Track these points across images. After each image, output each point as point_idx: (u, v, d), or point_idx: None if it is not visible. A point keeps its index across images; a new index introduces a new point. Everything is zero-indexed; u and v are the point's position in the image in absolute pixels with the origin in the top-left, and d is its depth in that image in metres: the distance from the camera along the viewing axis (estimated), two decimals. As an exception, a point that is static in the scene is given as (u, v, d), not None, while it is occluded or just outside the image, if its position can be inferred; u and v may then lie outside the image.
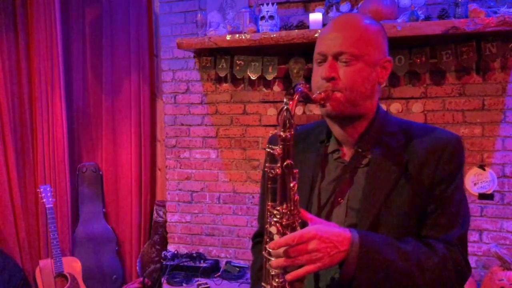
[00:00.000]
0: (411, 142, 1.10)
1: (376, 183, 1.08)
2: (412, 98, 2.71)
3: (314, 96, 1.06)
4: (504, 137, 2.59)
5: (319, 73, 1.10)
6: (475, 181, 2.62)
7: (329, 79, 1.06)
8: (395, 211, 1.05)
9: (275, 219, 1.00)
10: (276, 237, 1.00)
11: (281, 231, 0.99)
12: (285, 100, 0.99)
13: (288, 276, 0.97)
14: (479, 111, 2.62)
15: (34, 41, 3.45)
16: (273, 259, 0.98)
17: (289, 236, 0.96)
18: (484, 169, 2.60)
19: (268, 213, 1.02)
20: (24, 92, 3.52)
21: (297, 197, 1.00)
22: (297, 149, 1.20)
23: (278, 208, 1.00)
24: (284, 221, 0.99)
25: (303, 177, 1.14)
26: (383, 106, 2.73)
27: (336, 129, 1.15)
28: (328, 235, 0.96)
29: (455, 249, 1.05)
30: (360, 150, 1.12)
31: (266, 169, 1.01)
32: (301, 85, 1.01)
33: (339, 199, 1.11)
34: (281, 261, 0.97)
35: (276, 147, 0.99)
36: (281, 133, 0.98)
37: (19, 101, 3.53)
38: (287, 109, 0.98)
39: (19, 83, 3.52)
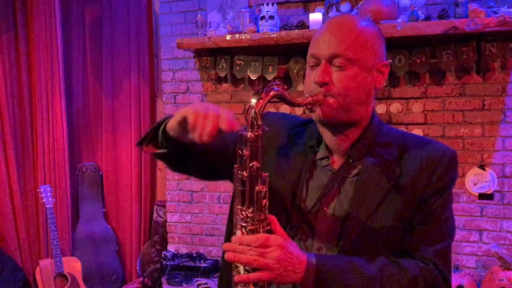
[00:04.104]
0: (404, 155, 1.06)
1: (364, 194, 1.04)
2: (412, 98, 2.71)
3: (298, 100, 1.00)
4: (504, 137, 2.59)
5: (312, 77, 1.05)
6: (475, 181, 2.62)
7: (322, 84, 1.02)
8: (382, 225, 1.02)
9: (241, 223, 0.96)
10: None
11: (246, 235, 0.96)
12: (252, 99, 0.94)
13: (237, 278, 0.94)
14: (479, 111, 2.62)
15: (34, 41, 3.46)
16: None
17: (255, 236, 0.93)
18: (484, 169, 2.60)
19: (236, 216, 0.98)
20: (24, 92, 3.52)
21: (265, 201, 0.96)
22: (287, 146, 1.16)
23: (244, 212, 0.96)
24: (250, 226, 0.95)
25: (287, 180, 1.11)
26: (383, 106, 2.73)
27: (327, 135, 1.10)
28: (291, 250, 0.93)
29: (430, 267, 1.02)
30: (350, 160, 1.08)
31: (234, 170, 0.97)
32: (276, 85, 0.95)
33: (325, 208, 1.07)
34: (236, 255, 0.93)
35: (244, 148, 0.94)
36: (248, 134, 0.94)
37: (19, 101, 3.54)
38: (254, 110, 0.93)
39: (19, 83, 3.52)
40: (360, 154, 1.07)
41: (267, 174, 0.97)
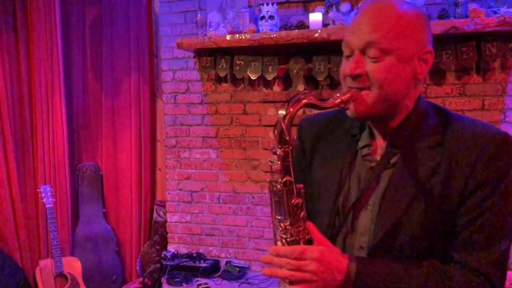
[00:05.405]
0: (448, 142, 0.95)
1: (398, 188, 0.96)
2: (412, 98, 2.70)
3: (328, 103, 0.94)
4: (504, 137, 2.59)
5: (344, 68, 0.98)
6: (475, 181, 2.61)
7: (355, 76, 0.95)
8: (417, 222, 0.93)
9: (281, 235, 0.97)
10: None
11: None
12: (279, 113, 0.91)
13: None
14: (479, 111, 2.62)
15: (34, 41, 3.45)
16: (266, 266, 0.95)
17: (290, 248, 0.93)
18: (484, 169, 2.59)
19: (276, 227, 0.98)
20: (24, 92, 3.52)
21: (303, 213, 0.95)
22: (325, 141, 1.12)
23: (282, 224, 0.96)
24: (289, 238, 0.95)
25: (330, 175, 1.07)
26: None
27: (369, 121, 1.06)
28: (330, 260, 0.91)
29: (481, 280, 0.91)
30: (391, 147, 1.00)
31: (268, 184, 0.97)
32: (303, 94, 0.92)
33: (365, 204, 1.01)
34: (273, 271, 0.93)
35: (276, 162, 0.94)
36: (278, 151, 0.92)
37: (19, 101, 3.54)
38: (280, 124, 0.91)
39: (19, 83, 3.52)
40: (402, 141, 0.99)
41: (302, 185, 0.95)
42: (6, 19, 3.44)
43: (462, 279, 0.92)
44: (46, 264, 3.11)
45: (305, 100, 0.91)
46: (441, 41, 2.52)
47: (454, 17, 2.42)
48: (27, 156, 3.56)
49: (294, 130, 0.99)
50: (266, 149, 0.94)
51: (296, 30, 2.66)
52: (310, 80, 2.84)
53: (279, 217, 0.97)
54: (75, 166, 3.59)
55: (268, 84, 2.96)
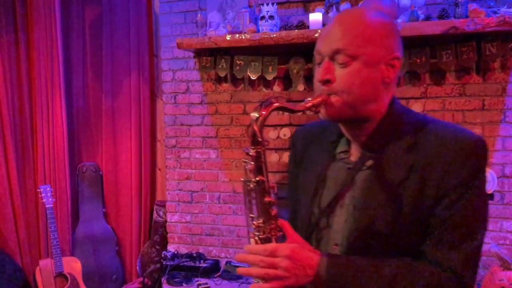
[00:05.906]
0: (421, 143, 0.99)
1: (372, 189, 1.00)
2: (412, 98, 2.71)
3: (299, 107, 1.00)
4: (504, 137, 2.59)
5: (316, 74, 1.04)
6: (475, 181, 2.61)
7: (324, 82, 1.00)
8: (390, 222, 0.97)
9: (254, 232, 1.01)
10: None
11: (259, 244, 1.01)
12: (252, 115, 0.97)
13: (252, 287, 0.99)
14: (479, 111, 2.62)
15: (34, 41, 3.46)
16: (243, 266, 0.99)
17: (262, 247, 0.97)
18: (484, 169, 2.59)
19: (249, 225, 1.03)
20: (24, 92, 3.52)
21: (274, 211, 0.99)
22: (311, 148, 1.19)
23: (255, 222, 1.01)
24: (261, 235, 1.00)
25: (310, 178, 1.13)
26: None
27: (344, 128, 1.10)
28: (301, 257, 0.95)
29: (450, 275, 0.94)
30: (367, 152, 1.04)
31: (242, 183, 1.02)
32: (275, 98, 0.98)
33: (340, 204, 1.06)
34: (247, 270, 0.98)
35: (250, 162, 1.00)
36: (250, 151, 0.98)
37: (19, 101, 3.54)
38: (253, 126, 0.97)
39: (19, 83, 3.52)
40: (377, 146, 1.03)
41: (274, 185, 1.01)
42: (6, 19, 3.44)
43: (431, 274, 0.94)
44: (46, 264, 3.11)
45: (277, 104, 0.98)
46: (441, 41, 2.52)
47: (454, 17, 2.43)
48: (27, 156, 3.56)
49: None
50: (244, 150, 1.00)
51: (296, 30, 2.66)
52: (310, 80, 2.84)
53: (252, 215, 1.02)
54: (75, 166, 3.59)
55: (268, 84, 2.96)
